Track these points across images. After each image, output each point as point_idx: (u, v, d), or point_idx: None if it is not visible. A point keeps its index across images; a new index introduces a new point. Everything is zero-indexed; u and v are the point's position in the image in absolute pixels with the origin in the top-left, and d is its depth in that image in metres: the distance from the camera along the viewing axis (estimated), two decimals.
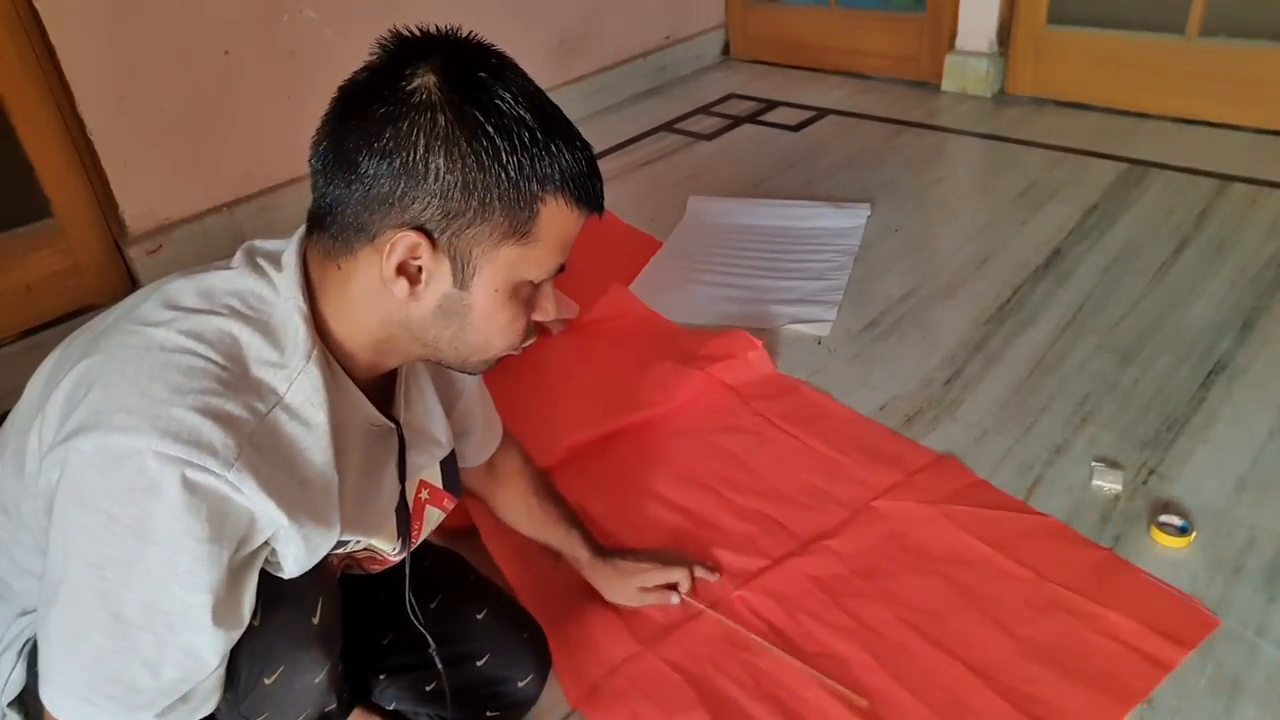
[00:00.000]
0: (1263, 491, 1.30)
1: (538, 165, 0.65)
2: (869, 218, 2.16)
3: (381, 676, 1.02)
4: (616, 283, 1.90)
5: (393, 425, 0.79)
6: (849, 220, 2.15)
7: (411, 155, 0.62)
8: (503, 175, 0.64)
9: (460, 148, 0.63)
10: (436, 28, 0.67)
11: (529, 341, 0.75)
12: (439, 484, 0.90)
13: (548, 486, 1.16)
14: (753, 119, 2.89)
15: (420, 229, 0.64)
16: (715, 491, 1.38)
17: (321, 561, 0.73)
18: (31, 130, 1.92)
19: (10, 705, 0.80)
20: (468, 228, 0.65)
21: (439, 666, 0.94)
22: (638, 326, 1.79)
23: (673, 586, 1.18)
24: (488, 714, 1.02)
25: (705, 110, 2.99)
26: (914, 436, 1.46)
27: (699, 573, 1.21)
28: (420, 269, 0.66)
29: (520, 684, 1.02)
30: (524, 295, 0.71)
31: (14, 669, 0.79)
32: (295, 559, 0.69)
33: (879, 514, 1.30)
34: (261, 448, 0.64)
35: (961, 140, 2.60)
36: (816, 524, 1.30)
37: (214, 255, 2.19)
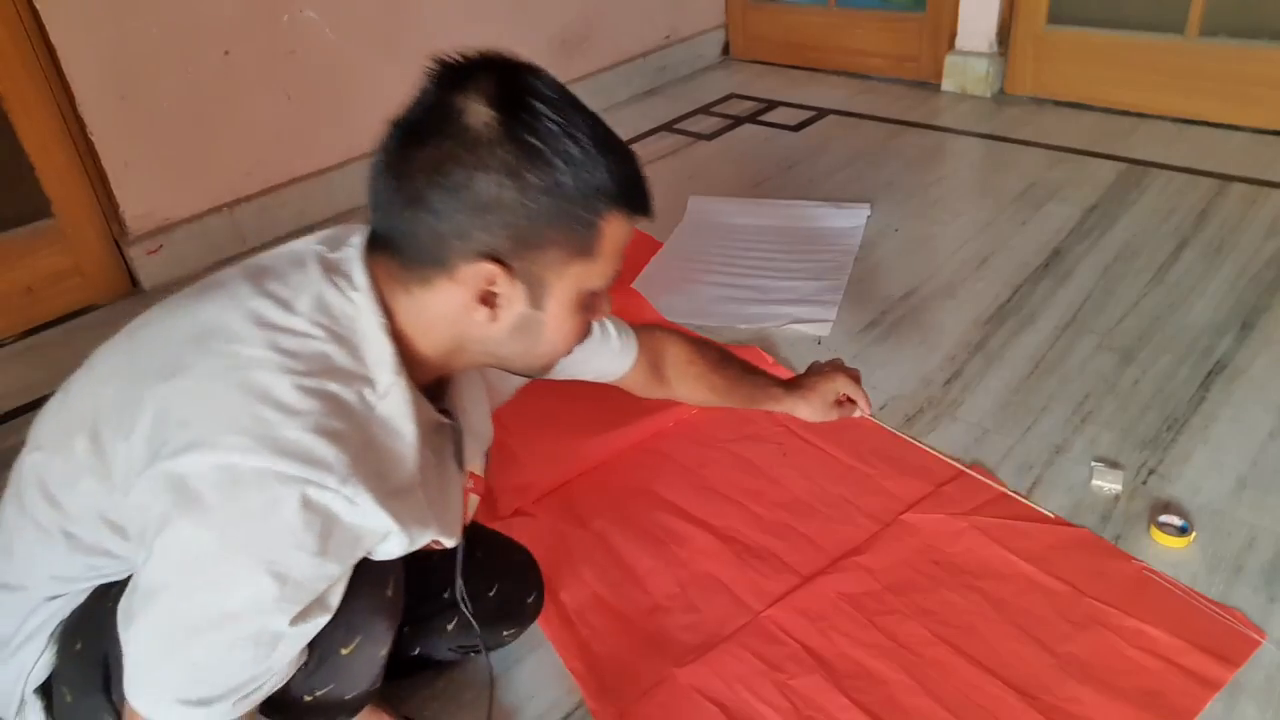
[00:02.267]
0: (1263, 491, 1.30)
1: (595, 184, 0.68)
2: (869, 218, 2.16)
3: (404, 629, 1.02)
4: (621, 283, 1.89)
5: (449, 421, 0.81)
6: (849, 220, 2.15)
7: (480, 191, 0.65)
8: (565, 200, 0.67)
9: (524, 179, 0.66)
10: (478, 53, 0.69)
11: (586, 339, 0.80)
12: (481, 472, 0.94)
13: (717, 355, 1.19)
14: (753, 119, 2.89)
15: (494, 258, 0.68)
16: (738, 504, 1.35)
17: None
18: (32, 130, 1.93)
19: (35, 691, 0.81)
20: (539, 252, 0.69)
21: (467, 611, 1.00)
22: None
23: (852, 402, 1.20)
24: (504, 633, 1.12)
25: (705, 110, 2.99)
26: (914, 436, 1.46)
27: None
28: (497, 295, 0.70)
29: (529, 600, 1.11)
30: (587, 302, 0.75)
31: (43, 654, 0.80)
32: (388, 554, 0.74)
33: (909, 527, 1.28)
34: (366, 460, 0.67)
35: (961, 140, 2.60)
36: (845, 538, 1.27)
37: (214, 255, 2.21)
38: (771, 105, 2.98)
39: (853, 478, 1.39)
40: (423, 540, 0.75)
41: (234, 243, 2.26)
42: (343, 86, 2.38)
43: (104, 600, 0.76)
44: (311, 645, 0.74)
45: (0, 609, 0.81)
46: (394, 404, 0.70)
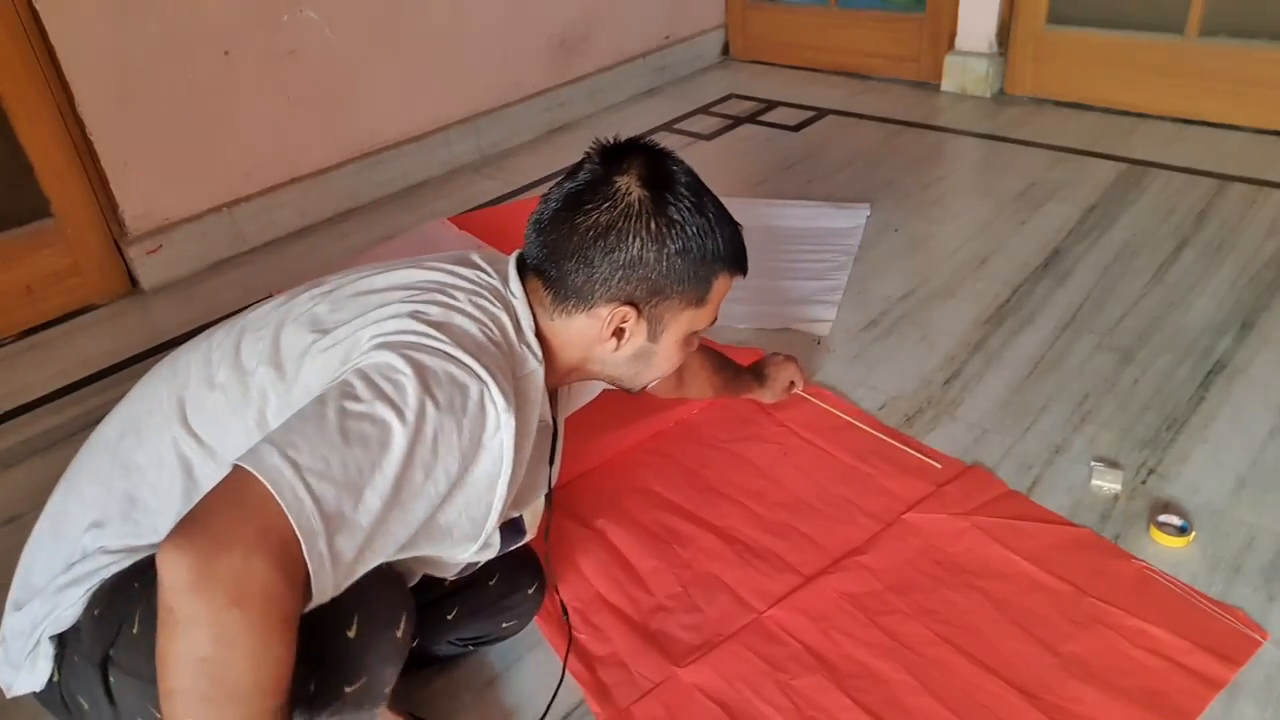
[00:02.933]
0: (1262, 491, 1.30)
1: (713, 250, 0.89)
2: (869, 218, 2.16)
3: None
4: None
5: (550, 422, 0.94)
6: (849, 220, 2.15)
7: (630, 252, 0.85)
8: (690, 262, 0.88)
9: (665, 247, 0.86)
10: (629, 140, 0.92)
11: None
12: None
13: (718, 358, 1.42)
14: (753, 119, 2.89)
15: (631, 303, 0.87)
16: (740, 504, 1.36)
17: None
18: (31, 130, 1.93)
19: (52, 638, 0.82)
20: (665, 301, 0.89)
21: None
22: None
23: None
24: (504, 625, 1.14)
25: (705, 110, 2.99)
26: (914, 436, 1.46)
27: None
28: (625, 330, 0.89)
29: (529, 591, 1.13)
30: (689, 340, 0.95)
31: (73, 605, 0.81)
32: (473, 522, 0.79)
33: (910, 527, 1.28)
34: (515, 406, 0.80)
35: (961, 140, 2.60)
36: (846, 538, 1.28)
37: (214, 255, 2.22)
38: (771, 105, 2.98)
39: (854, 477, 1.39)
40: (505, 510, 0.81)
41: (233, 243, 2.26)
42: (343, 86, 2.38)
43: (134, 581, 0.78)
44: (315, 627, 0.71)
45: (58, 550, 0.84)
46: (534, 384, 0.84)
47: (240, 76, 2.17)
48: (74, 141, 1.99)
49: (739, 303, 1.86)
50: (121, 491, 0.83)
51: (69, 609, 0.81)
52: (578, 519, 1.35)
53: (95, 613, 0.80)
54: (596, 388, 1.15)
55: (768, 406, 1.55)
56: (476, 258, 0.91)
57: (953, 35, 2.88)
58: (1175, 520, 1.24)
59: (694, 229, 0.87)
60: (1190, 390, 1.51)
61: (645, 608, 1.20)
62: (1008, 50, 2.82)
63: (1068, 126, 2.60)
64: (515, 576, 1.12)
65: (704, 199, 0.90)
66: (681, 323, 0.92)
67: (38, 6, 1.84)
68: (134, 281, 2.14)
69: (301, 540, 0.64)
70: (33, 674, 0.83)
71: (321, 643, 0.74)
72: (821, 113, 2.87)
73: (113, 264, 2.10)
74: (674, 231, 0.86)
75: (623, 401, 1.60)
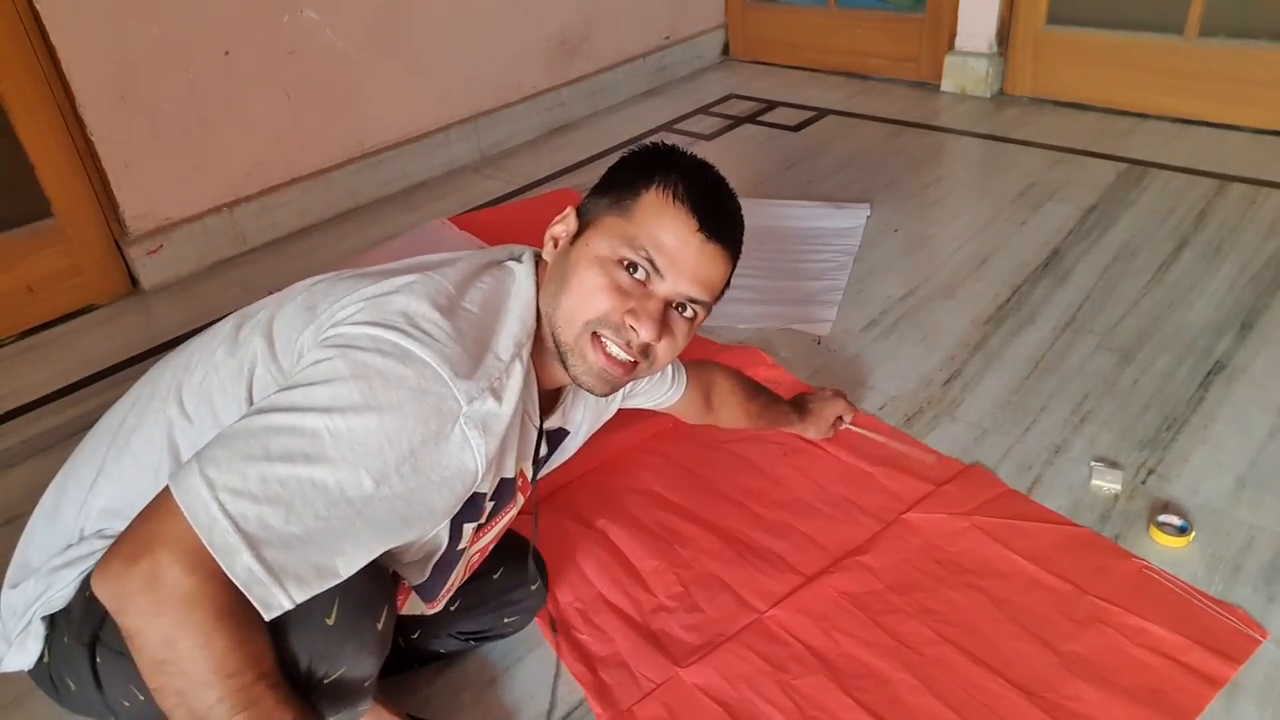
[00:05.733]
0: (1262, 491, 1.30)
1: (659, 163, 0.85)
2: (869, 218, 2.17)
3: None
4: None
5: (537, 426, 0.90)
6: (849, 220, 2.16)
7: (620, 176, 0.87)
8: (630, 167, 0.86)
9: (620, 165, 0.88)
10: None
11: (623, 342, 0.83)
12: (530, 477, 0.97)
13: (753, 386, 1.38)
14: (753, 119, 2.89)
15: (580, 209, 0.86)
16: (740, 504, 1.36)
17: None
18: (32, 130, 1.93)
19: (44, 619, 0.83)
20: (596, 199, 0.86)
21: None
22: None
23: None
24: (505, 620, 1.13)
25: (705, 110, 2.99)
26: (914, 436, 1.46)
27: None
28: (561, 229, 0.86)
29: (533, 587, 1.13)
30: (618, 277, 0.82)
31: (66, 586, 0.81)
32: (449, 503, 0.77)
33: (910, 527, 1.29)
34: (490, 398, 0.76)
35: (961, 140, 2.61)
36: (847, 538, 1.28)
37: (214, 256, 2.22)
38: (771, 105, 2.98)
39: (854, 477, 1.39)
40: (481, 490, 0.81)
41: (234, 243, 2.26)
42: (343, 86, 2.38)
43: None
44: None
45: (56, 529, 0.85)
46: (514, 378, 0.79)
47: (241, 77, 2.17)
48: (75, 142, 1.99)
49: (740, 303, 1.86)
50: (115, 475, 0.83)
51: (62, 590, 0.81)
52: (578, 519, 1.35)
53: (87, 595, 0.80)
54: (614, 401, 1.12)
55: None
56: (518, 249, 0.91)
57: (953, 35, 2.88)
58: (1175, 520, 1.24)
59: (651, 146, 0.88)
60: (1190, 390, 1.51)
61: (647, 608, 1.20)
62: (1008, 50, 2.82)
63: (1067, 127, 2.60)
64: (518, 571, 1.12)
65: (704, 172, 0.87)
66: (600, 227, 0.84)
67: (38, 7, 1.84)
68: (134, 282, 2.14)
69: (217, 557, 0.65)
70: (22, 652, 0.84)
71: (301, 629, 0.74)
72: (821, 113, 2.87)
73: (113, 264, 2.10)
74: (634, 152, 0.88)
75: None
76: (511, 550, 1.11)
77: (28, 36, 1.87)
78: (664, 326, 0.83)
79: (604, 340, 0.83)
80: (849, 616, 1.16)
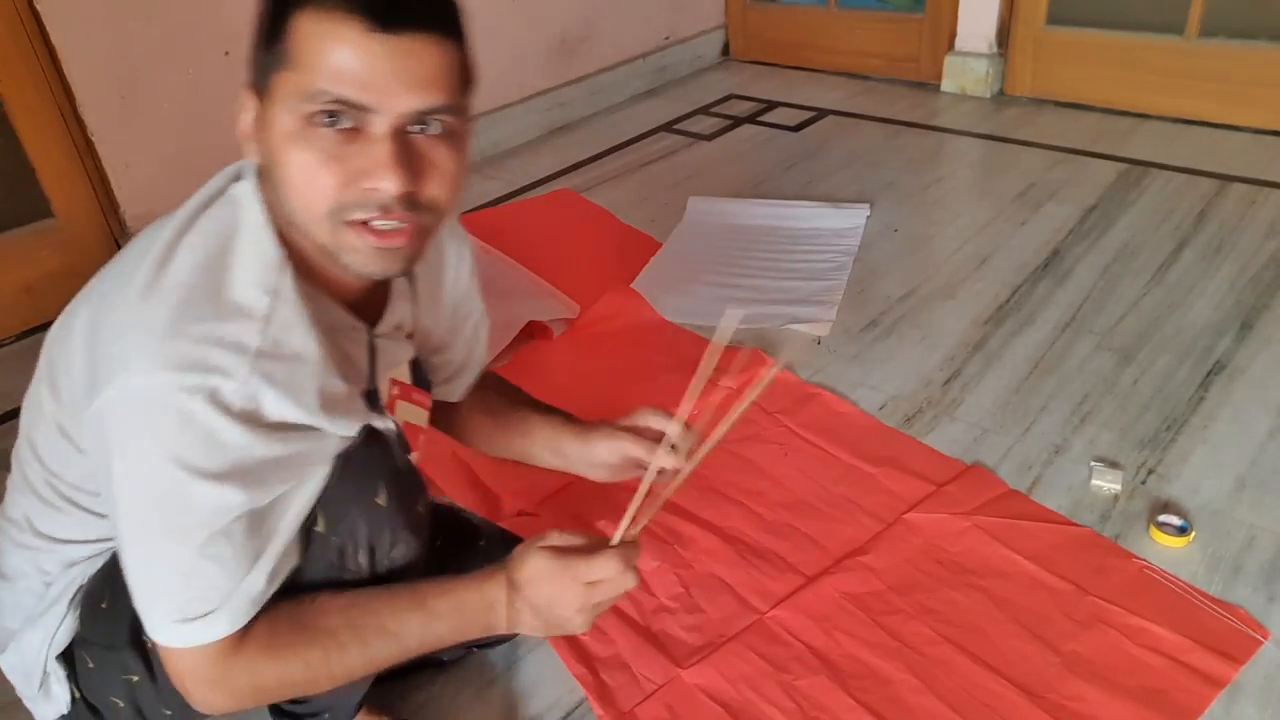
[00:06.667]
0: (1262, 491, 1.30)
1: None
2: (868, 218, 2.17)
3: None
4: (620, 284, 1.90)
5: (361, 324, 0.80)
6: (849, 220, 2.16)
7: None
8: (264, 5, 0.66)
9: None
10: None
11: (379, 210, 0.67)
12: (408, 380, 0.91)
13: (512, 396, 1.10)
14: (753, 119, 2.89)
15: (251, 88, 0.69)
16: (741, 504, 1.35)
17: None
18: (32, 130, 1.93)
19: (57, 659, 0.83)
20: (256, 54, 0.68)
21: None
22: (639, 329, 1.79)
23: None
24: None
25: (705, 110, 2.99)
26: (914, 436, 1.46)
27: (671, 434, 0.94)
28: (246, 124, 0.71)
29: None
30: (322, 144, 0.65)
31: (64, 619, 0.81)
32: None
33: (911, 527, 1.28)
34: (271, 356, 0.67)
35: (961, 140, 2.61)
36: (848, 538, 1.28)
37: None
38: (771, 105, 2.98)
39: (854, 477, 1.39)
40: (343, 432, 0.75)
41: None
42: None
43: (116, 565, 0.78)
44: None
45: (18, 587, 0.83)
46: (283, 312, 0.69)
47: (241, 77, 2.16)
48: (75, 142, 1.99)
49: (739, 303, 1.86)
50: (48, 531, 0.82)
51: (62, 626, 0.81)
52: (579, 520, 1.35)
53: (102, 606, 0.80)
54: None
55: (768, 405, 1.55)
56: (246, 165, 0.76)
57: (952, 36, 2.89)
58: (1175, 520, 1.25)
59: None
60: (1190, 390, 1.51)
61: (647, 609, 1.20)
62: (1007, 51, 2.82)
63: (1067, 127, 2.60)
64: None
65: None
66: (275, 97, 0.66)
67: (39, 7, 1.84)
68: None
69: (212, 648, 0.71)
70: (51, 701, 0.84)
71: (358, 510, 0.78)
72: (821, 113, 2.87)
73: None
74: None
75: (622, 402, 1.60)
76: (499, 556, 1.10)
77: (28, 37, 1.87)
78: (412, 162, 0.66)
79: (360, 220, 0.67)
80: (850, 617, 1.16)
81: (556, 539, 0.80)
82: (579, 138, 2.83)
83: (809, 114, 2.87)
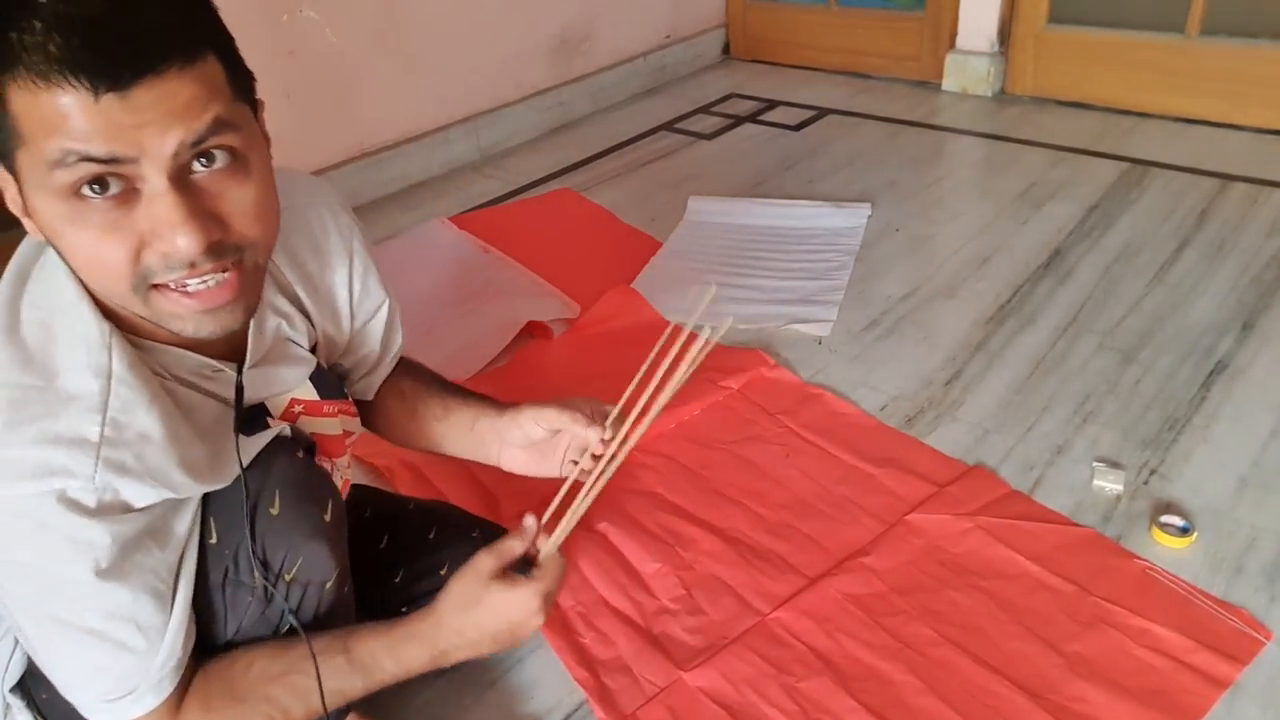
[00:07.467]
0: (1264, 491, 1.30)
1: None
2: (869, 217, 2.16)
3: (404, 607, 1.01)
4: (620, 284, 1.90)
5: (226, 365, 0.75)
6: (849, 220, 2.15)
7: None
8: None
9: None
10: None
11: (183, 269, 0.60)
12: (315, 397, 0.86)
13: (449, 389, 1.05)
14: (753, 119, 2.89)
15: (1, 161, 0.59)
16: (742, 505, 1.35)
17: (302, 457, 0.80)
18: None
19: (12, 691, 0.83)
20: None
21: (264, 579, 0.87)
22: (640, 329, 1.79)
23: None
24: None
25: (705, 110, 2.99)
26: (916, 436, 1.46)
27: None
28: (12, 206, 0.62)
29: None
30: (92, 217, 0.57)
31: (14, 653, 0.81)
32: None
33: (913, 528, 1.28)
34: (116, 444, 0.63)
35: (962, 140, 2.60)
36: (849, 539, 1.27)
37: None
38: (771, 105, 2.98)
39: (856, 478, 1.38)
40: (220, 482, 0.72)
41: None
42: (342, 86, 2.38)
43: None
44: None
45: None
46: (120, 390, 0.64)
47: None
48: None
49: (740, 303, 1.86)
50: None
51: (15, 658, 0.81)
52: (579, 522, 1.34)
53: None
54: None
55: (768, 405, 1.55)
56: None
57: (953, 34, 2.88)
58: (1177, 521, 1.24)
59: None
60: (1192, 390, 1.51)
61: (649, 611, 1.20)
62: (1008, 49, 2.82)
63: (1069, 126, 2.59)
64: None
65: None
66: (27, 182, 0.57)
67: None
68: None
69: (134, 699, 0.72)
70: None
71: (258, 524, 0.76)
72: (822, 112, 2.87)
73: None
74: None
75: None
76: (455, 541, 1.08)
77: None
78: (206, 207, 0.59)
79: (169, 284, 0.61)
80: (852, 618, 1.16)
81: (485, 563, 0.86)
82: (579, 137, 2.82)
83: (810, 113, 2.87)
